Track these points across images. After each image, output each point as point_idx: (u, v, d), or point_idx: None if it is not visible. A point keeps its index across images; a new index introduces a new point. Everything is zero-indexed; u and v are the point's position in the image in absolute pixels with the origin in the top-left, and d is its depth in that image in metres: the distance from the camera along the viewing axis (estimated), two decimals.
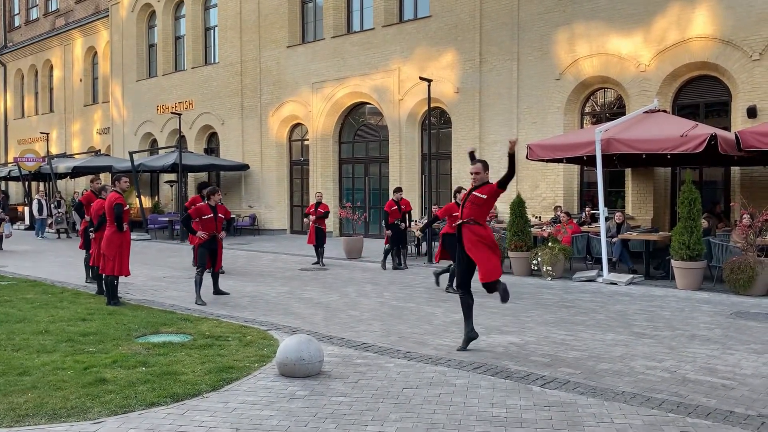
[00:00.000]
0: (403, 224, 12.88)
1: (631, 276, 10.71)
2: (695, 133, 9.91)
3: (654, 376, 5.45)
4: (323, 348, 5.99)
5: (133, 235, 16.61)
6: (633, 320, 7.78)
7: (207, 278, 9.50)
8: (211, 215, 9.26)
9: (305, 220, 13.96)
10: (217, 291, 9.66)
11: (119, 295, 9.05)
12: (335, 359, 5.97)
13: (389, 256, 12.95)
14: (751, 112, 12.50)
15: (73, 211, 17.73)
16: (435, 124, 17.94)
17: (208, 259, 9.34)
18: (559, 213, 13.40)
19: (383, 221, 13.15)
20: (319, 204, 13.75)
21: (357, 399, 4.87)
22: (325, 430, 4.25)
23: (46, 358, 5.91)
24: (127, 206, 9.02)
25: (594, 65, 14.72)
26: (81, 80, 31.04)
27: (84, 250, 10.92)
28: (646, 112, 11.78)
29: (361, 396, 4.94)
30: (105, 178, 27.27)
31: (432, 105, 16.30)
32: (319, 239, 13.46)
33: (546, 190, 15.57)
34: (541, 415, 4.52)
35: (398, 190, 13.40)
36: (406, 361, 5.95)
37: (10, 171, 28.12)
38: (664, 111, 12.42)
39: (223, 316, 8.08)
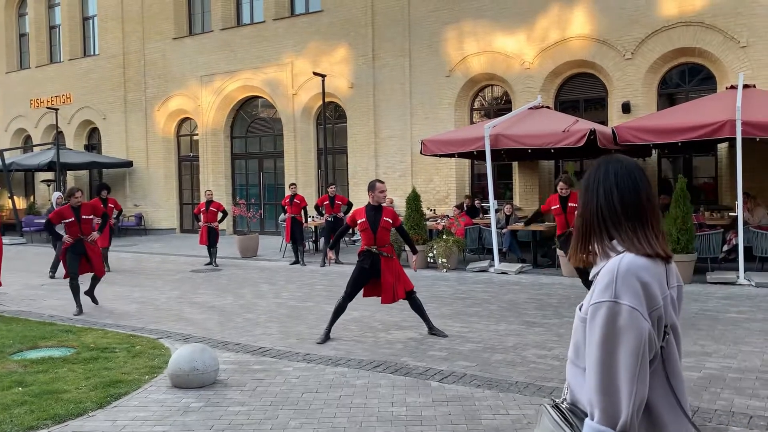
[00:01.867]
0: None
1: (521, 265, 11.21)
2: (576, 128, 10.49)
3: (545, 365, 5.72)
4: (218, 355, 5.80)
5: (6, 240, 15.30)
6: (523, 309, 8.14)
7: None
8: (73, 218, 8.48)
9: (199, 223, 13.35)
10: (90, 293, 8.86)
11: None
12: (231, 366, 5.79)
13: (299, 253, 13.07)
14: (625, 108, 13.42)
15: None
16: (330, 118, 17.85)
17: (85, 263, 8.63)
18: (467, 202, 14.12)
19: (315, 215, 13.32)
20: (210, 203, 13.28)
21: (255, 407, 4.75)
22: None
23: None
24: None
25: (481, 62, 15.22)
26: None
27: None
28: (531, 108, 12.34)
29: (259, 404, 4.82)
30: None
31: (327, 100, 16.25)
32: (211, 239, 13.02)
33: (440, 184, 15.95)
34: (440, 411, 4.61)
35: (332, 184, 13.82)
36: (305, 364, 5.88)
37: None
38: (547, 107, 13.07)
39: (108, 325, 7.61)
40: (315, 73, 14.63)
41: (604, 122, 13.64)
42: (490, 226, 11.78)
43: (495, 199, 11.73)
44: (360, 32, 16.81)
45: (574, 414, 1.60)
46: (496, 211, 11.84)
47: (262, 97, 19.23)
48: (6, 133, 24.77)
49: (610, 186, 1.63)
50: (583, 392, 1.57)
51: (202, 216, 13.17)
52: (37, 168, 20.34)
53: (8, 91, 24.71)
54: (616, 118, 13.58)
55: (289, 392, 5.08)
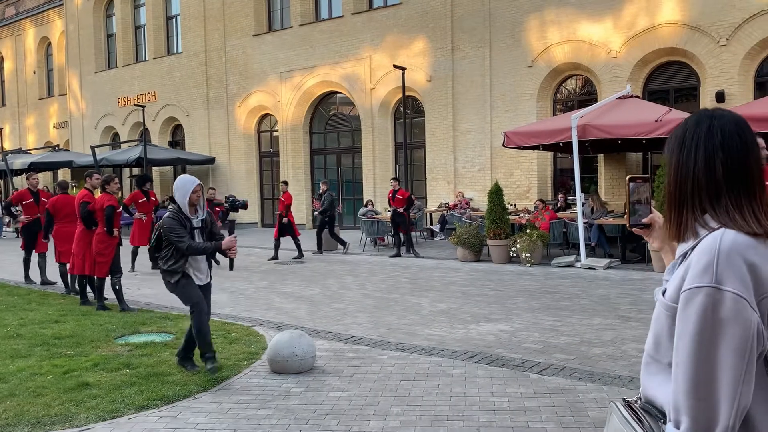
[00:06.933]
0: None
1: (609, 260, 10.80)
2: (669, 117, 10.01)
3: None
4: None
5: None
6: (617, 304, 7.82)
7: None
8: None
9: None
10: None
11: (87, 294, 8.68)
12: (326, 353, 5.82)
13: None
14: (720, 97, 12.70)
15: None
16: (408, 113, 17.80)
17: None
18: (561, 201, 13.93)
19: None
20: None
21: (355, 394, 4.74)
22: (326, 428, 4.11)
23: (22, 363, 5.60)
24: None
25: (565, 52, 14.77)
26: (34, 72, 29.92)
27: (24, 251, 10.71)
28: (620, 98, 11.86)
29: (358, 390, 4.81)
30: (63, 174, 26.44)
31: (405, 93, 16.18)
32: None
33: (520, 178, 15.62)
34: (543, 403, 4.46)
35: (393, 178, 13.75)
36: (399, 352, 5.84)
37: None
38: (637, 96, 12.54)
39: None
40: (395, 66, 14.56)
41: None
42: (575, 220, 11.42)
43: (581, 192, 11.34)
44: (439, 24, 16.65)
45: (648, 413, 1.39)
46: (582, 204, 11.46)
47: (340, 93, 19.39)
48: (95, 130, 26.08)
49: (714, 148, 1.35)
50: (661, 391, 1.36)
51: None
52: (126, 164, 21.30)
53: (97, 90, 26.01)
54: (709, 108, 12.85)
55: (386, 379, 5.05)
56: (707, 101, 13.06)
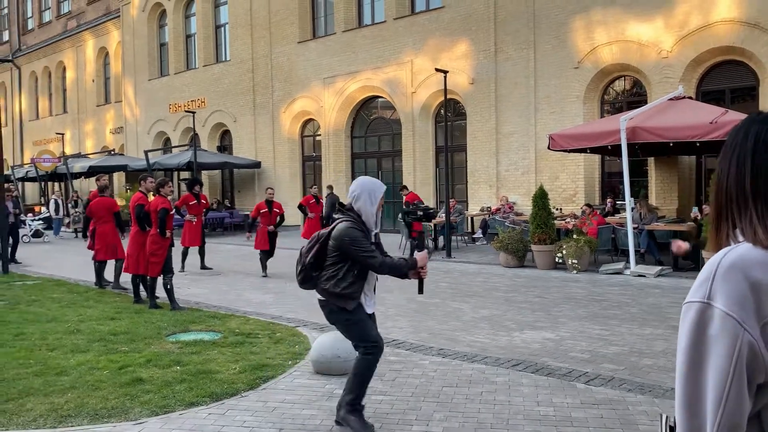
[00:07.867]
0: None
1: (660, 268, 10.50)
2: (725, 119, 9.67)
3: None
4: None
5: None
6: (668, 313, 7.59)
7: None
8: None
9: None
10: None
11: (140, 293, 8.97)
12: None
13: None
14: None
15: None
16: (449, 116, 17.73)
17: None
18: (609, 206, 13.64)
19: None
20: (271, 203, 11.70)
21: (397, 398, 4.75)
22: None
23: (81, 358, 5.85)
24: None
25: (613, 53, 14.47)
26: (93, 81, 31.07)
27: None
28: (671, 99, 11.53)
29: (400, 394, 4.82)
30: (119, 178, 27.36)
31: (446, 96, 16.09)
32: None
33: (566, 182, 15.35)
34: (591, 414, 4.37)
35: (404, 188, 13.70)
36: (440, 358, 5.82)
37: (27, 172, 28.24)
38: (690, 98, 12.16)
39: (249, 312, 7.99)
40: (437, 70, 14.52)
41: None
42: (624, 226, 11.15)
43: (631, 197, 11.06)
44: (482, 26, 16.55)
45: None
46: (632, 209, 11.18)
47: (381, 97, 19.47)
48: (149, 135, 26.87)
49: (745, 155, 1.25)
50: None
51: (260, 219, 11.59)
52: (177, 168, 21.88)
53: (150, 96, 26.81)
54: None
55: (428, 385, 5.04)
56: (767, 102, 12.58)
